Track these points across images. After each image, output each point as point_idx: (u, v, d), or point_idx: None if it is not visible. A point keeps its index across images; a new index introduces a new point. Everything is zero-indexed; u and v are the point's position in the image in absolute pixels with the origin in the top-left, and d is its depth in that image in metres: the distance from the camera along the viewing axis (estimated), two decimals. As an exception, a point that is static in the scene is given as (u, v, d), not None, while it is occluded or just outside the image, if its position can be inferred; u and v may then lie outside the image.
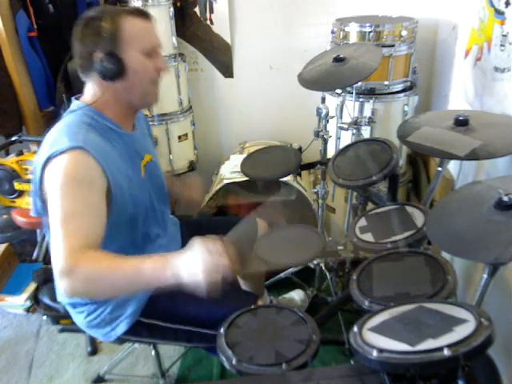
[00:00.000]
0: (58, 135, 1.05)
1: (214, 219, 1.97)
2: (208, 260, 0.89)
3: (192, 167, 2.38)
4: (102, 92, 1.12)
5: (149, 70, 1.13)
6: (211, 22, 2.35)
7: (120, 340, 1.28)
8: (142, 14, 1.11)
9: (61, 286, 0.91)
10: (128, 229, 1.17)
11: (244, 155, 1.99)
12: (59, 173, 0.99)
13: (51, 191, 1.00)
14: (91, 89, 1.14)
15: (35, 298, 2.09)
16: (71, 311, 1.27)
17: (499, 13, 1.33)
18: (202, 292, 0.89)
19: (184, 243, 1.43)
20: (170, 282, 0.90)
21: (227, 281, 0.90)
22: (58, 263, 0.91)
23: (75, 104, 1.14)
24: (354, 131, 1.67)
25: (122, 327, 1.22)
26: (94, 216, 1.00)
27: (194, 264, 0.90)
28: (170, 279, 0.90)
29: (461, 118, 1.17)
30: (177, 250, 1.40)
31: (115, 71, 1.07)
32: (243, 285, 1.57)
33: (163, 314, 1.23)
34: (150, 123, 2.12)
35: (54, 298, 2.02)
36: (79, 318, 1.25)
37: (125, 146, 1.16)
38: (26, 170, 1.93)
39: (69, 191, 0.98)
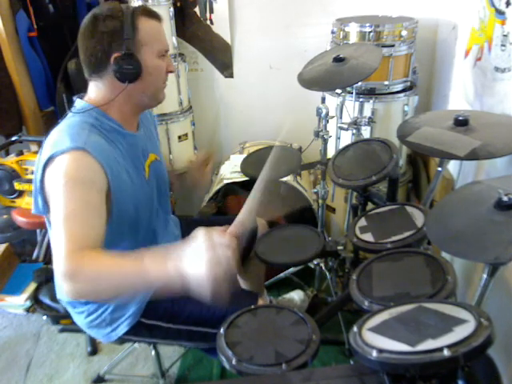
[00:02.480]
0: (60, 135, 1.05)
1: (213, 219, 1.97)
2: (211, 250, 0.85)
3: (192, 167, 2.38)
4: (112, 92, 1.10)
5: (162, 71, 1.14)
6: (211, 22, 2.35)
7: (120, 340, 1.28)
8: (155, 15, 1.12)
9: (63, 288, 0.91)
10: (132, 230, 1.17)
11: (244, 155, 2.00)
12: (60, 173, 0.98)
13: (53, 191, 1.00)
14: (98, 89, 1.12)
15: (35, 298, 2.09)
16: (71, 311, 1.27)
17: (500, 13, 1.33)
18: (206, 291, 0.84)
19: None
20: (172, 277, 0.86)
21: (230, 278, 0.86)
22: (59, 265, 0.90)
23: (79, 104, 1.13)
24: (354, 131, 1.67)
25: (122, 328, 1.22)
26: (95, 216, 0.99)
27: (196, 254, 0.86)
28: (172, 273, 0.86)
29: (461, 118, 1.17)
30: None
31: (133, 72, 1.07)
32: (243, 284, 1.57)
33: (164, 315, 1.23)
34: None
35: (54, 298, 2.03)
36: (80, 318, 1.25)
37: (128, 147, 1.16)
38: (26, 169, 1.93)
39: (70, 191, 0.97)
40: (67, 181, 0.98)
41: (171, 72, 1.18)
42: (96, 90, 1.13)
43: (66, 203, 0.96)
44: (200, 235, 0.88)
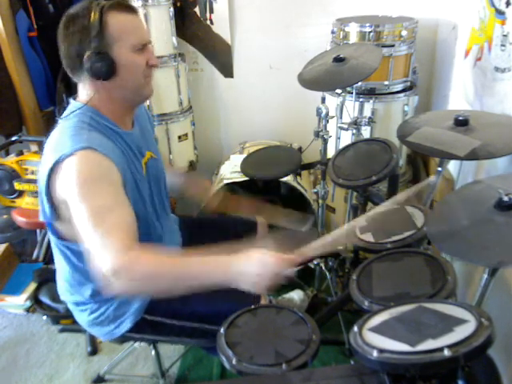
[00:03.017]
0: (60, 139, 1.04)
1: (213, 218, 1.97)
2: (263, 275, 0.91)
3: (192, 167, 2.38)
4: (96, 92, 1.09)
5: (140, 66, 1.10)
6: (211, 22, 2.35)
7: (123, 338, 1.28)
8: (126, 8, 1.07)
9: (115, 284, 0.90)
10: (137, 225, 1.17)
11: (244, 155, 1.99)
12: (73, 175, 0.96)
13: (70, 195, 0.97)
14: (84, 89, 1.11)
15: (35, 298, 2.09)
16: (74, 310, 1.27)
17: (500, 13, 1.33)
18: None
19: (184, 241, 1.44)
20: (229, 278, 0.92)
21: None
22: (108, 262, 0.89)
23: (73, 105, 1.12)
24: (354, 131, 1.67)
25: (126, 325, 1.22)
26: (125, 208, 0.99)
27: (249, 274, 0.91)
28: (221, 282, 0.92)
29: (461, 118, 1.17)
30: (177, 248, 1.41)
31: (106, 70, 1.04)
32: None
33: (167, 311, 1.23)
34: (150, 123, 2.13)
35: (54, 298, 2.03)
36: (83, 316, 1.25)
37: (125, 145, 1.15)
38: (26, 170, 1.93)
39: (90, 190, 0.96)
40: (83, 181, 0.96)
41: (153, 65, 1.13)
42: (82, 90, 1.12)
43: (91, 202, 0.94)
44: (256, 256, 0.94)
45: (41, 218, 1.08)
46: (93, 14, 1.02)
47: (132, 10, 1.09)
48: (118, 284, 0.90)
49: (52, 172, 0.99)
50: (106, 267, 0.89)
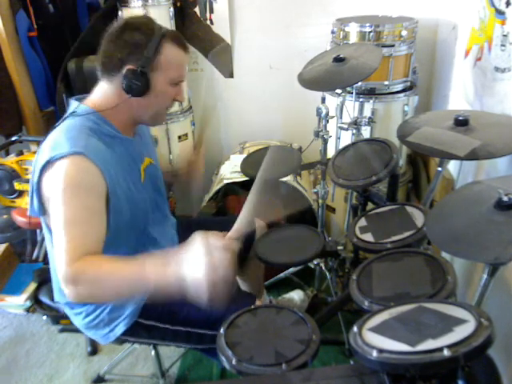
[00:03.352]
0: (59, 138, 1.05)
1: (213, 219, 1.97)
2: (209, 255, 0.86)
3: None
4: (116, 100, 1.12)
5: (169, 98, 1.16)
6: (211, 22, 2.35)
7: (119, 340, 1.28)
8: (183, 44, 1.13)
9: (66, 292, 0.92)
10: (130, 234, 1.18)
11: (244, 155, 2.00)
12: (60, 178, 0.99)
13: (52, 196, 1.00)
14: (104, 92, 1.13)
15: (35, 298, 2.09)
16: (69, 313, 1.27)
17: (500, 13, 1.33)
18: (204, 295, 0.86)
19: (182, 243, 1.44)
20: (171, 282, 0.88)
21: (228, 281, 0.88)
22: (61, 270, 0.92)
23: (79, 107, 1.12)
24: (354, 131, 1.67)
25: (120, 328, 1.22)
26: (95, 222, 1.00)
27: (194, 259, 0.87)
28: (171, 278, 0.88)
29: (461, 118, 1.17)
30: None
31: (140, 89, 1.08)
32: (242, 285, 1.57)
33: (162, 315, 1.23)
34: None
35: (53, 298, 2.03)
36: (77, 319, 1.25)
37: (125, 151, 1.17)
38: (26, 170, 1.93)
39: (70, 197, 0.98)
40: (67, 186, 0.98)
41: (178, 101, 1.20)
42: (102, 92, 1.14)
43: (66, 209, 0.97)
44: (197, 240, 0.90)
45: (29, 213, 1.10)
46: (154, 36, 1.07)
47: (187, 48, 1.15)
48: (67, 292, 0.92)
49: (44, 169, 1.01)
50: (59, 275, 0.92)
